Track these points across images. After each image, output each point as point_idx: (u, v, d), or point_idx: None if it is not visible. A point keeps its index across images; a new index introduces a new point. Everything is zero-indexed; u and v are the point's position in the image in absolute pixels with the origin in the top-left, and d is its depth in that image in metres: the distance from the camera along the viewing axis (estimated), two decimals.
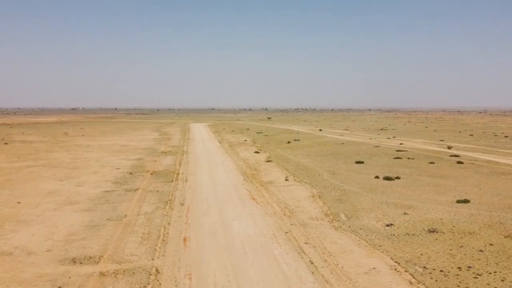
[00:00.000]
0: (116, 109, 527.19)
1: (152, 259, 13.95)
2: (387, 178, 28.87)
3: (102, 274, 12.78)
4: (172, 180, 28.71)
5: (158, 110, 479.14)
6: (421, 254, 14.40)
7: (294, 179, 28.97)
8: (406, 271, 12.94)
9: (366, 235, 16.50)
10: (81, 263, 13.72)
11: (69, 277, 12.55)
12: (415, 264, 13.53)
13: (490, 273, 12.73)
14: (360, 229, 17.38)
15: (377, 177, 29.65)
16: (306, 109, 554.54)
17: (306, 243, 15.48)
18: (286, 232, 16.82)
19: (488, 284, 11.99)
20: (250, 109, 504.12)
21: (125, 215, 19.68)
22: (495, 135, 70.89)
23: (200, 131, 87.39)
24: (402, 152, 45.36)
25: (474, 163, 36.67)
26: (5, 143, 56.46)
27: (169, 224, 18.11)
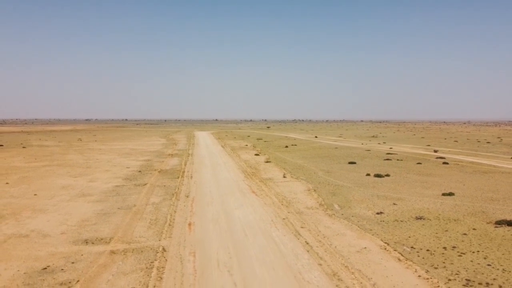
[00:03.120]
0: (126, 119, 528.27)
1: (159, 240, 13.94)
2: (378, 176, 28.88)
3: (112, 252, 12.77)
4: (178, 177, 28.72)
5: (165, 120, 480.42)
6: (409, 237, 14.39)
7: (291, 176, 28.99)
8: (395, 250, 12.93)
9: (358, 221, 16.50)
10: (93, 243, 13.72)
11: (82, 255, 12.55)
12: (403, 244, 13.52)
13: (473, 252, 12.72)
14: (352, 216, 17.38)
15: (368, 174, 29.66)
16: (302, 120, 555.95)
17: (302, 227, 15.48)
18: (284, 219, 16.82)
19: (471, 261, 11.98)
20: (250, 120, 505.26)
21: (134, 205, 19.68)
22: (478, 141, 70.96)
23: (204, 137, 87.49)
24: (392, 155, 45.39)
25: (458, 164, 36.69)
26: (23, 147, 56.54)
27: (175, 212, 18.11)
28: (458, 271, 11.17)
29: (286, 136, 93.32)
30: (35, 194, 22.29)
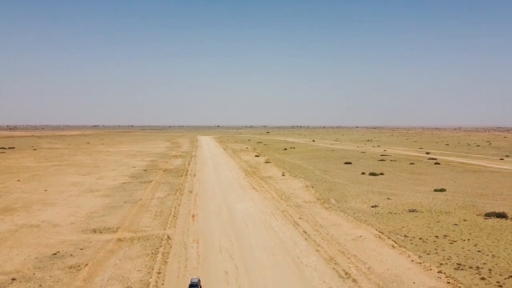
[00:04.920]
0: (132, 125, 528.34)
1: (164, 229, 13.96)
2: (372, 174, 28.90)
3: (119, 240, 12.79)
4: (182, 175, 28.76)
5: (169, 126, 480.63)
6: (403, 227, 14.41)
7: (290, 175, 29.01)
8: (389, 238, 12.95)
9: (354, 213, 16.52)
10: (100, 232, 13.74)
11: (90, 242, 12.56)
12: (397, 233, 13.53)
13: (464, 240, 12.73)
14: (348, 209, 17.39)
15: (363, 173, 29.68)
16: (300, 126, 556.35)
17: (300, 218, 15.49)
18: (283, 211, 16.84)
19: (462, 248, 11.99)
20: (251, 126, 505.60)
21: (140, 199, 19.71)
22: (468, 145, 70.98)
23: (206, 141, 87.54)
24: (386, 156, 45.41)
25: (449, 164, 36.71)
26: (34, 149, 56.58)
27: (179, 205, 18.14)
28: (449, 257, 11.18)
29: (285, 140, 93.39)
30: (45, 190, 22.32)
